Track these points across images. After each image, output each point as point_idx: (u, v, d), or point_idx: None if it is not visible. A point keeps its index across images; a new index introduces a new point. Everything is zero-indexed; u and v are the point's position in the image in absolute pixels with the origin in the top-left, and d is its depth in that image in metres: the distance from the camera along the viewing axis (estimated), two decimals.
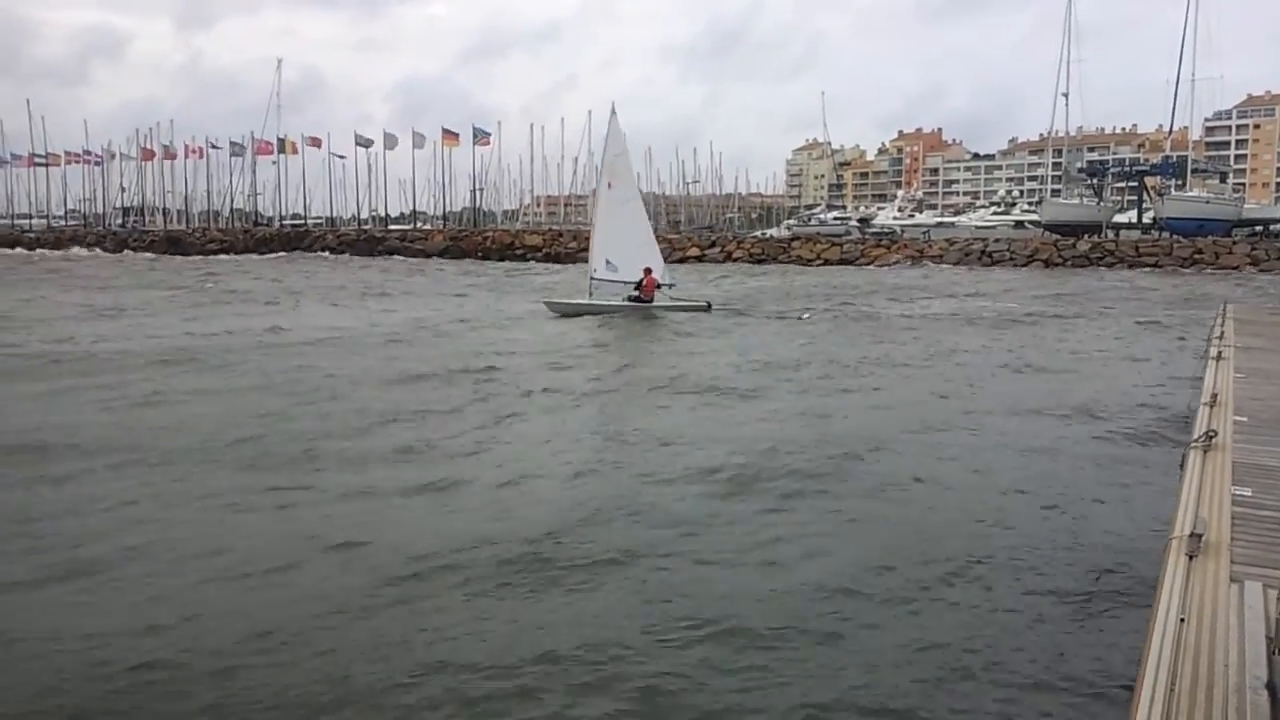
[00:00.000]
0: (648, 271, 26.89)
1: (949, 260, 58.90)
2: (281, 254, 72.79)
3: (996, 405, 13.75)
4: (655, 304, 26.98)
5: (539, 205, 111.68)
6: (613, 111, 29.81)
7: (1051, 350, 20.26)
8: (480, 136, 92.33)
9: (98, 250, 75.92)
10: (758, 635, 5.98)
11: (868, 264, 58.79)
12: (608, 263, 27.33)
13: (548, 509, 8.70)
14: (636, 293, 26.81)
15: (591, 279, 27.71)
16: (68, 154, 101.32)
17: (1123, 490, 9.30)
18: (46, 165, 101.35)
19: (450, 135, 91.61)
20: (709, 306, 27.71)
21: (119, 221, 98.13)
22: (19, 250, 76.14)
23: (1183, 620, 3.74)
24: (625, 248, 27.26)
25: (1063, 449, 11.05)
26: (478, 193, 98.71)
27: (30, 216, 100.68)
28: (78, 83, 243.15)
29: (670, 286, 27.93)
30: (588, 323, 24.78)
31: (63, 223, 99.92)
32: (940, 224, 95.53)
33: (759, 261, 62.51)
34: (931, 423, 12.38)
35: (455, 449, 10.99)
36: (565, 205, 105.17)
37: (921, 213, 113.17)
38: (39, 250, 77.08)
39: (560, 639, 5.91)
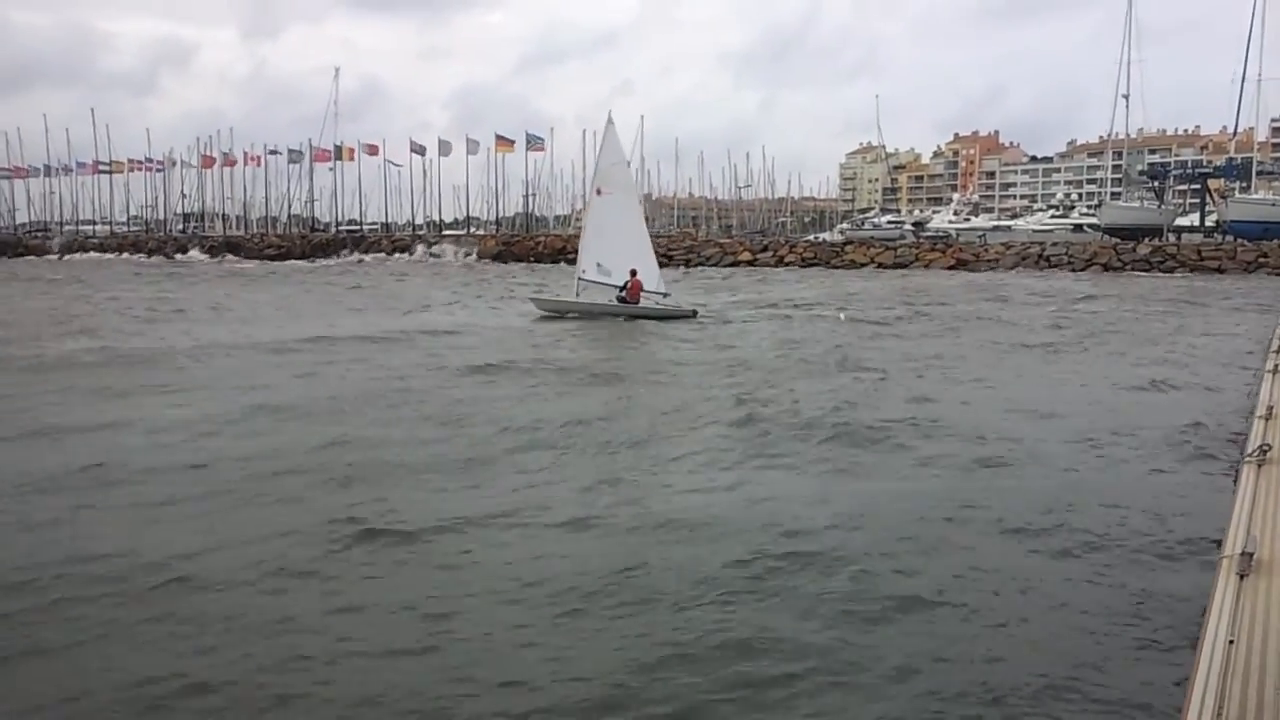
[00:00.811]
0: (633, 274, 27.18)
1: (1005, 264, 58.18)
2: (334, 260, 73.82)
3: (1048, 410, 13.51)
4: (640, 307, 27.24)
5: None
6: (609, 121, 30.68)
7: (1106, 355, 19.92)
8: (534, 143, 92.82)
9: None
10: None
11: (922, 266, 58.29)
12: (598, 265, 27.79)
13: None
14: (623, 294, 27.20)
15: (579, 279, 28.24)
16: (131, 161, 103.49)
17: (1174, 503, 9.07)
18: (110, 172, 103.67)
19: (504, 141, 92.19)
20: (694, 313, 27.90)
21: (179, 227, 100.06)
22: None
23: (1232, 642, 3.64)
24: (619, 253, 27.56)
25: (1111, 458, 10.83)
26: (530, 198, 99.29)
27: (94, 222, 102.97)
28: (146, 92, 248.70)
29: (665, 296, 28.16)
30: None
31: (125, 228, 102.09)
32: (997, 227, 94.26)
33: (810, 265, 62.19)
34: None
35: None
36: None
37: (978, 216, 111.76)
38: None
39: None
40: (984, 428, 12.29)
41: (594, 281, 27.95)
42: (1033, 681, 5.50)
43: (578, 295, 28.21)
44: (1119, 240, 63.02)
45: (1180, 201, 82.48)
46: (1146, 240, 61.80)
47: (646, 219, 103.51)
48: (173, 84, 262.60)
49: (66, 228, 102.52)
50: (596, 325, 25.77)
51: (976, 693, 5.40)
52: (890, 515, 8.66)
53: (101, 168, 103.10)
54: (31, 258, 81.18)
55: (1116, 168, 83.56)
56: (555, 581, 7.00)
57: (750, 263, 64.57)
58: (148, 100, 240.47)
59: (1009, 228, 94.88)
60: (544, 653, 5.90)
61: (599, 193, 29.08)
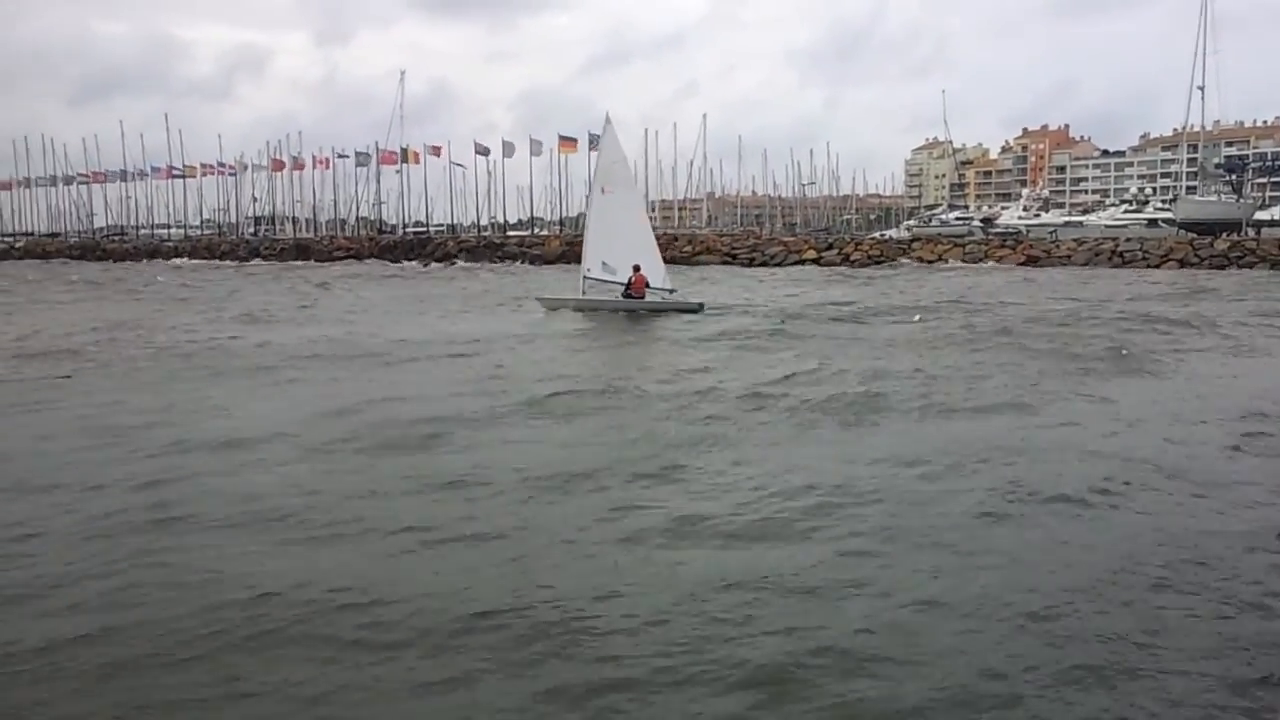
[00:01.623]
0: (636, 269, 27.38)
1: (1077, 260, 57.00)
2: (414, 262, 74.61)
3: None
4: (646, 302, 27.47)
5: (653, 210, 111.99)
6: (607, 120, 30.90)
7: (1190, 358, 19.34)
8: (596, 143, 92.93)
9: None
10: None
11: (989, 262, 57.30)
12: (604, 264, 28.09)
13: None
14: (628, 290, 27.44)
15: (584, 278, 28.61)
16: (203, 166, 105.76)
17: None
18: (184, 177, 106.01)
19: (567, 142, 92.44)
20: (701, 307, 27.99)
21: (250, 230, 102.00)
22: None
23: None
24: (624, 251, 27.79)
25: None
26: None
27: (169, 226, 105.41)
28: (222, 98, 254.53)
29: (671, 292, 28.50)
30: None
31: (198, 232, 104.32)
32: (1068, 223, 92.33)
33: (877, 263, 61.49)
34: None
35: None
36: (679, 209, 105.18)
37: (1048, 212, 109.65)
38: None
39: None
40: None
41: (599, 280, 28.27)
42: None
43: (584, 293, 28.53)
44: (1195, 235, 61.37)
45: (1259, 195, 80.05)
46: (1224, 235, 60.10)
47: (711, 218, 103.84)
48: (247, 90, 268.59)
49: (142, 232, 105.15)
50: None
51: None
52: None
53: (175, 172, 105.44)
54: (110, 262, 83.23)
55: (1192, 161, 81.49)
56: None
57: (815, 260, 63.99)
58: (223, 106, 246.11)
59: (1080, 223, 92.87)
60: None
61: (602, 191, 29.24)
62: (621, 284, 27.67)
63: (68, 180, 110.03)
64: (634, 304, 27.34)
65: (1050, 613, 6.32)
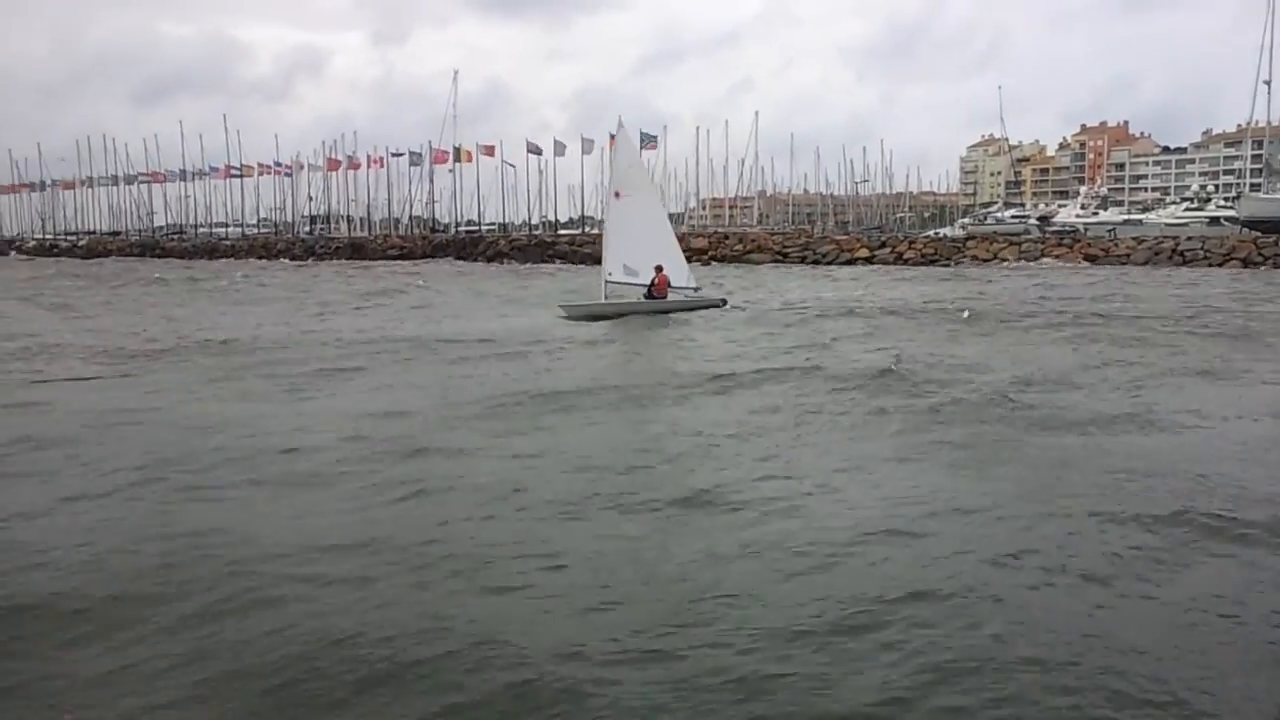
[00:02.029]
0: (659, 270, 27.34)
1: (1137, 259, 56.01)
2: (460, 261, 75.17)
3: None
4: (670, 302, 27.44)
5: (704, 208, 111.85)
6: (620, 124, 30.91)
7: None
8: (646, 141, 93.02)
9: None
10: None
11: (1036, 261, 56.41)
12: (625, 267, 27.93)
13: None
14: (650, 292, 27.43)
15: (606, 282, 28.30)
16: (260, 165, 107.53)
17: None
18: (241, 176, 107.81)
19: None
20: (724, 302, 28.46)
21: (306, 229, 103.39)
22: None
23: None
24: (645, 253, 27.69)
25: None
26: None
27: (226, 225, 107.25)
28: (281, 98, 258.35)
29: (695, 290, 28.76)
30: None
31: (255, 230, 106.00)
32: (1127, 221, 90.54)
33: (931, 262, 60.85)
34: None
35: None
36: (730, 208, 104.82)
37: (1106, 210, 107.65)
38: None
39: None
40: None
41: (622, 282, 28.12)
42: None
43: (605, 298, 28.21)
44: (1260, 234, 59.94)
45: None
46: None
47: (762, 216, 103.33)
48: (306, 90, 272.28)
49: (200, 230, 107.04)
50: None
51: None
52: None
53: (233, 172, 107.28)
54: (173, 259, 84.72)
55: (1256, 157, 79.47)
56: None
57: (868, 260, 63.48)
58: (282, 106, 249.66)
59: (1140, 221, 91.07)
60: None
61: (617, 196, 28.97)
62: (644, 285, 27.62)
63: (129, 180, 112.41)
64: (658, 305, 27.28)
65: None
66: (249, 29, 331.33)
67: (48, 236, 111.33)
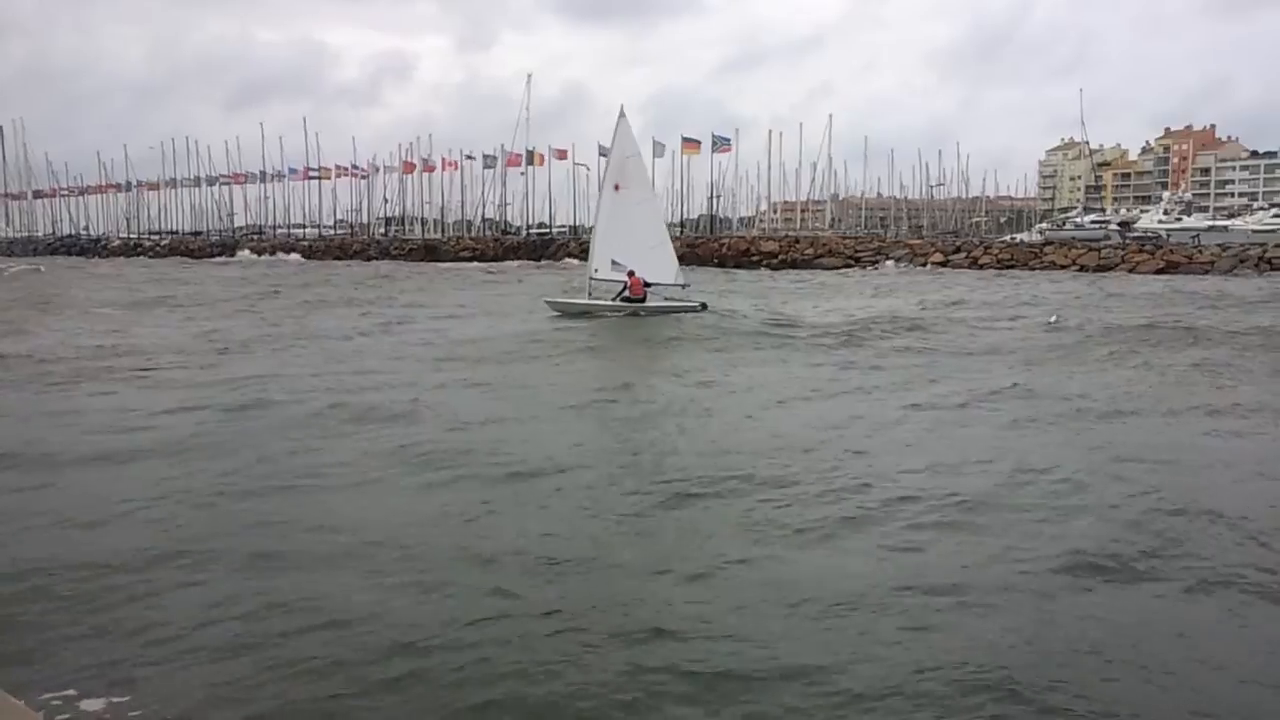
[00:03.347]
0: (630, 274, 27.03)
1: (1221, 268, 54.25)
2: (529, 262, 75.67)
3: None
4: (648, 304, 27.20)
5: (775, 211, 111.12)
6: (621, 114, 29.56)
7: None
8: (719, 144, 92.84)
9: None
10: None
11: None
12: (614, 263, 27.53)
13: None
14: (626, 294, 27.20)
15: (591, 279, 28.11)
16: (338, 168, 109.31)
17: None
18: (319, 178, 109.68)
19: (690, 144, 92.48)
20: (704, 306, 27.46)
21: (381, 231, 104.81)
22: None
23: None
24: (635, 249, 27.33)
25: None
26: (714, 199, 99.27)
27: (304, 225, 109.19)
28: (369, 103, 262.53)
29: (684, 287, 28.32)
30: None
31: (332, 231, 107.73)
32: (1212, 228, 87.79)
33: (1008, 267, 59.67)
34: None
35: None
36: (802, 211, 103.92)
37: (1190, 215, 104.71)
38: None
39: None
40: None
41: (608, 279, 27.84)
42: None
43: (590, 295, 28.16)
44: None
45: None
46: None
47: (834, 220, 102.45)
48: (391, 94, 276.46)
49: (279, 230, 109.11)
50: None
51: None
52: None
53: (311, 174, 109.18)
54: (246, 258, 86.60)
55: None
56: None
57: (942, 264, 62.51)
58: (369, 110, 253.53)
59: (1225, 228, 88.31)
60: None
61: (615, 189, 28.45)
62: (624, 281, 27.38)
63: (210, 181, 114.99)
64: (636, 306, 27.20)
65: None
66: (338, 34, 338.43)
67: (132, 236, 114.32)
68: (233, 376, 16.53)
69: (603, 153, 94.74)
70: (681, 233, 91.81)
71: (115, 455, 10.81)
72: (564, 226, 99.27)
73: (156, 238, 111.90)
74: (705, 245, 75.41)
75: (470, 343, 22.28)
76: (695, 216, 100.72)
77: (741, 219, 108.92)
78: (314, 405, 13.72)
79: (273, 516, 8.61)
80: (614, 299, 27.49)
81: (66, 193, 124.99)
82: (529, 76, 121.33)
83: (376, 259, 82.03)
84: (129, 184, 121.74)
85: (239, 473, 10.05)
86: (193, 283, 48.72)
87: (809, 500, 9.16)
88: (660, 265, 27.76)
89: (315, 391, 14.99)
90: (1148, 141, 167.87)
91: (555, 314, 28.12)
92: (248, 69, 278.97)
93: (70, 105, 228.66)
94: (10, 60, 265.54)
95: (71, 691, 5.38)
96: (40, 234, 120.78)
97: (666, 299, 27.92)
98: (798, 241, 74.03)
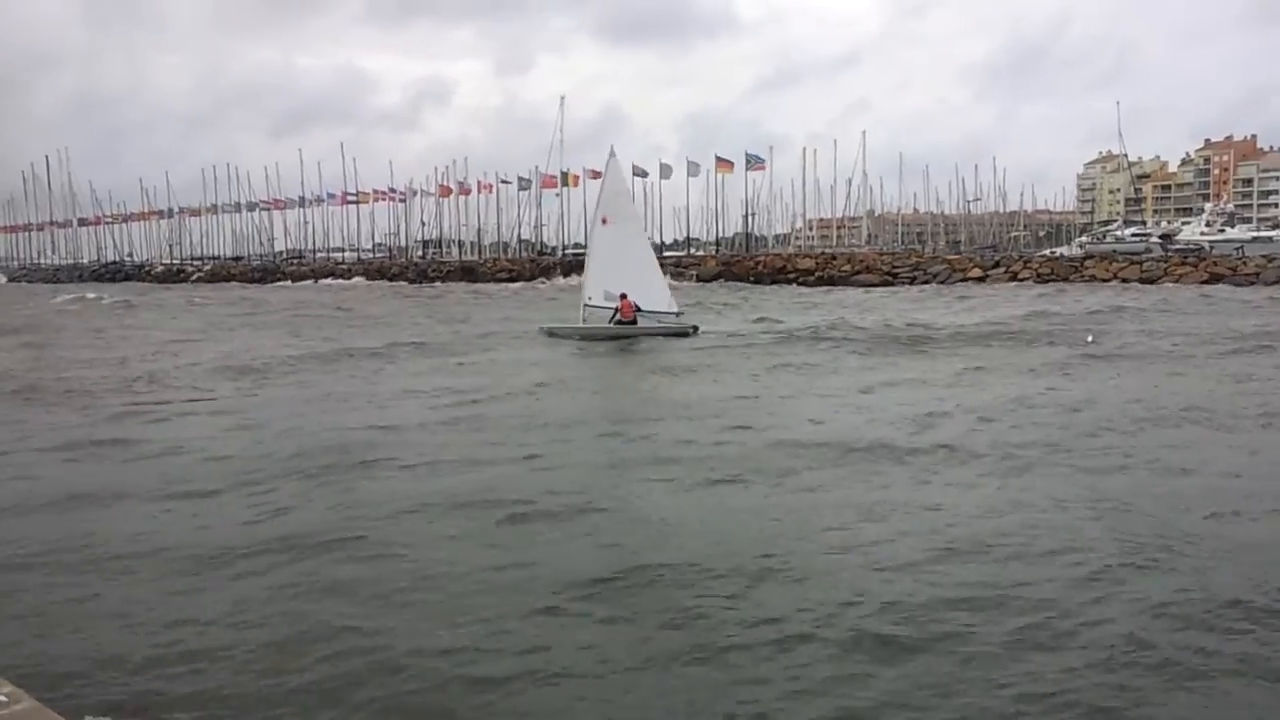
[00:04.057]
0: (623, 297, 28.30)
1: (1267, 279, 53.33)
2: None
3: None
4: (639, 327, 28.37)
5: (811, 228, 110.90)
6: (611, 154, 31.87)
7: None
8: (754, 162, 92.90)
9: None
10: None
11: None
12: (606, 293, 28.97)
13: None
14: (617, 317, 28.46)
15: (585, 306, 29.58)
16: (375, 192, 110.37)
17: None
18: (357, 203, 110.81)
19: (724, 162, 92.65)
20: (695, 330, 28.78)
21: (419, 253, 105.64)
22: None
23: None
24: (628, 279, 28.61)
25: None
26: (749, 218, 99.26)
27: (343, 249, 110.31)
28: (409, 128, 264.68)
29: (678, 315, 29.38)
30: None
31: (370, 255, 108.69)
32: (1256, 239, 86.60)
33: (1048, 281, 59.09)
34: None
35: None
36: (838, 228, 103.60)
37: (1233, 227, 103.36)
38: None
39: None
40: None
41: (601, 306, 29.23)
42: None
43: (584, 321, 29.39)
44: None
45: None
46: None
47: (870, 236, 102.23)
48: (431, 119, 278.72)
49: (318, 254, 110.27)
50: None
51: None
52: None
53: (349, 198, 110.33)
54: (287, 283, 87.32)
55: None
56: None
57: (980, 279, 62.00)
58: (409, 135, 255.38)
59: (1270, 239, 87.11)
60: None
61: (604, 222, 30.11)
62: (616, 308, 28.62)
63: (250, 207, 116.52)
64: (628, 330, 28.25)
65: None
66: (378, 60, 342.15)
67: (175, 262, 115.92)
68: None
69: (637, 173, 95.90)
70: (717, 251, 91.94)
71: None
72: None
73: (199, 263, 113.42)
74: (741, 263, 75.36)
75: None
76: (731, 235, 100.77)
77: (777, 236, 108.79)
78: None
79: None
80: (610, 322, 28.65)
81: (110, 220, 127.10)
82: (562, 98, 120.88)
83: (415, 281, 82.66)
84: (171, 210, 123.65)
85: None
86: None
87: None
88: (654, 294, 29.17)
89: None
90: (1187, 153, 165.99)
91: (549, 337, 28.98)
92: (290, 97, 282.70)
93: (116, 134, 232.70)
94: (61, 91, 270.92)
95: None
96: (85, 260, 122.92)
97: (660, 321, 29.02)
98: (834, 258, 73.77)
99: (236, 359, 23.16)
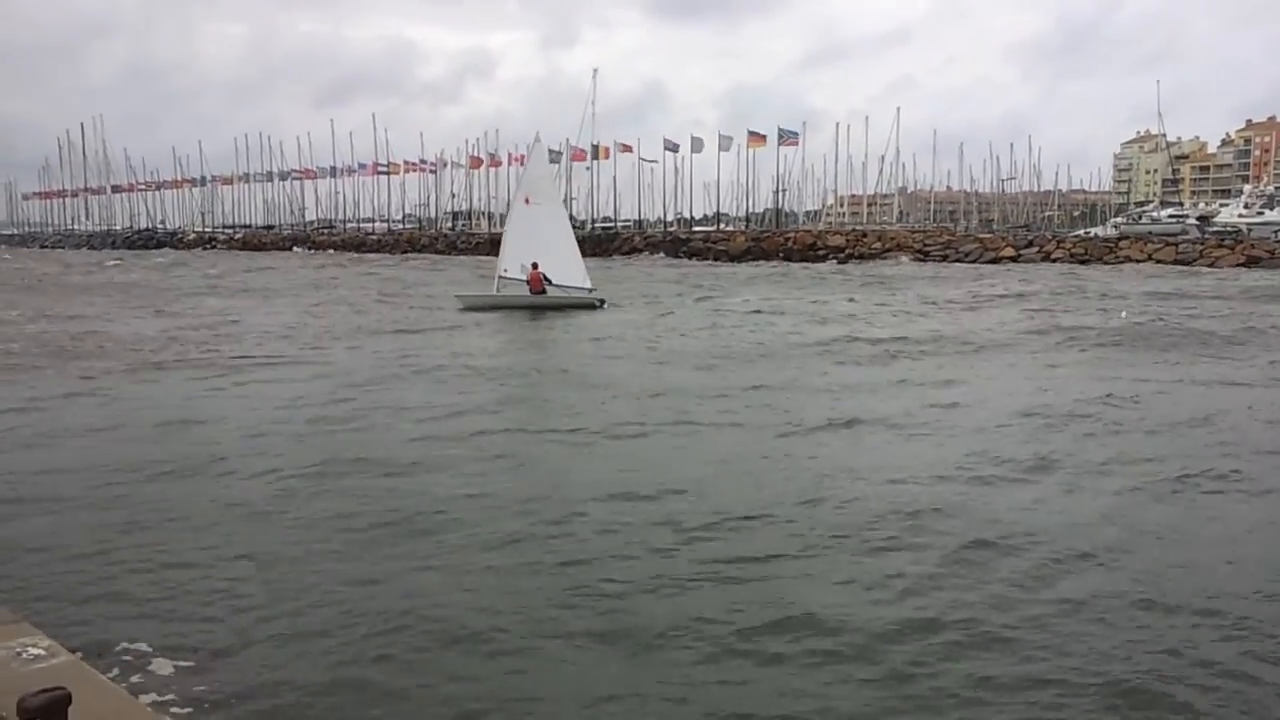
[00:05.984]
0: (534, 266, 29.91)
1: None
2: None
3: None
4: (548, 297, 30.02)
5: (842, 205, 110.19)
6: (536, 139, 35.56)
7: None
8: (786, 137, 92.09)
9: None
10: None
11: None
12: (522, 266, 30.36)
13: None
14: (529, 288, 30.05)
15: (500, 277, 31.08)
16: (406, 163, 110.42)
17: None
18: (388, 174, 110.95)
19: (756, 137, 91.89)
20: (602, 303, 30.61)
21: (449, 225, 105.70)
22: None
23: None
24: (547, 256, 30.18)
25: None
26: (780, 193, 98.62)
27: (373, 220, 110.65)
28: (453, 99, 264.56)
29: (591, 291, 30.92)
30: None
31: (401, 226, 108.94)
32: None
33: (1081, 262, 58.43)
34: None
35: None
36: (868, 205, 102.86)
37: (1273, 209, 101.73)
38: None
39: None
40: None
41: (515, 279, 30.75)
42: None
43: (498, 291, 30.93)
44: None
45: None
46: None
47: (902, 214, 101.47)
48: (475, 90, 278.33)
49: (349, 225, 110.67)
50: None
51: None
52: None
53: (380, 169, 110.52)
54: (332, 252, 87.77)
55: None
56: None
57: (1013, 259, 61.40)
58: (452, 107, 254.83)
59: None
60: None
61: (526, 201, 31.88)
62: (527, 280, 30.20)
63: (282, 176, 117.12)
64: (538, 300, 29.88)
65: None
66: (425, 31, 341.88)
67: (206, 230, 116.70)
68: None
69: (668, 146, 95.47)
70: (747, 226, 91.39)
71: None
72: (628, 221, 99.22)
73: (230, 231, 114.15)
74: (771, 239, 74.78)
75: None
76: (761, 210, 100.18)
77: (808, 212, 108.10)
78: None
79: None
80: (529, 295, 30.14)
81: (144, 187, 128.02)
82: (594, 71, 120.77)
83: (444, 252, 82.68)
84: (204, 178, 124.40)
85: None
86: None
87: None
88: (570, 270, 30.96)
89: None
90: (1227, 133, 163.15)
91: (464, 307, 30.58)
92: (337, 67, 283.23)
93: (163, 101, 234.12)
94: (114, 59, 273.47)
95: None
96: (119, 228, 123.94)
97: (568, 295, 30.59)
98: (865, 235, 73.20)
99: None
